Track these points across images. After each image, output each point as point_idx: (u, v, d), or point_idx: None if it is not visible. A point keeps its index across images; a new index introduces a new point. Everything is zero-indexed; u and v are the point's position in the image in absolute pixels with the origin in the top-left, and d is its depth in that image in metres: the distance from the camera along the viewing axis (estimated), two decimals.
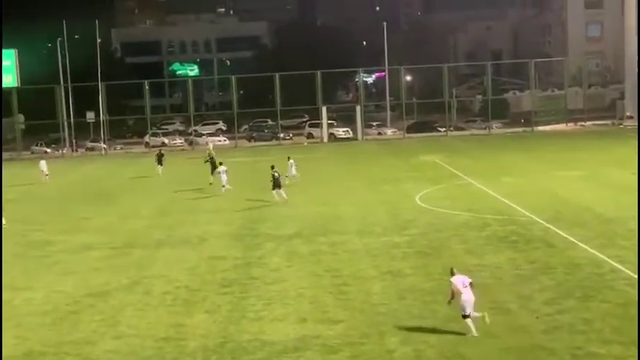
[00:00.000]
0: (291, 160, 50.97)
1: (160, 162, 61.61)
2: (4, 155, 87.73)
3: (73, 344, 21.73)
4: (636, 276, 25.08)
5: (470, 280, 20.92)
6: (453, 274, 21.08)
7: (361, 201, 44.05)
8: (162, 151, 65.45)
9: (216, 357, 20.30)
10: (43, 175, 60.29)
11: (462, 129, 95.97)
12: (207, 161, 52.60)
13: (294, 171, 50.56)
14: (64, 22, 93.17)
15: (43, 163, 61.57)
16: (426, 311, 22.77)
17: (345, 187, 49.85)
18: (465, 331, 20.56)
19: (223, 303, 24.85)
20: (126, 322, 23.41)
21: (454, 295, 20.82)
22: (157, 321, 23.37)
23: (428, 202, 42.29)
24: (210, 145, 79.33)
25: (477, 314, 20.62)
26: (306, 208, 42.40)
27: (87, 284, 28.12)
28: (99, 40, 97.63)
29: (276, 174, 44.04)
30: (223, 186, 48.61)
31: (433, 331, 21.09)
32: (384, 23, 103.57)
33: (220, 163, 50.49)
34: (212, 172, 51.46)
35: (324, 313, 23.36)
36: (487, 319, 20.61)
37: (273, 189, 43.90)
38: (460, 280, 20.80)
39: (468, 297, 20.54)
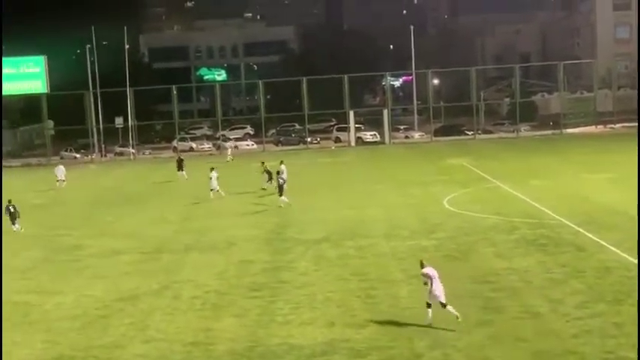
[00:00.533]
0: (283, 166, 50.36)
1: (180, 168, 61.78)
2: (33, 160, 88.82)
3: (102, 348, 21.86)
4: None
5: (437, 275, 21.92)
6: (423, 266, 22.23)
7: (389, 204, 43.98)
8: (182, 157, 65.65)
9: None
10: (55, 181, 60.42)
11: (490, 132, 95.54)
12: (264, 172, 52.20)
13: (284, 176, 49.41)
14: (92, 28, 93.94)
15: (59, 169, 61.41)
16: (453, 315, 22.64)
17: (372, 191, 49.78)
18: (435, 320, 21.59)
19: (252, 307, 24.89)
20: (155, 327, 23.51)
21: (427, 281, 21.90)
22: (186, 325, 23.45)
23: (456, 205, 42.14)
24: (229, 151, 79.57)
25: (430, 311, 21.69)
26: (334, 211, 42.40)
27: (117, 288, 28.29)
28: (127, 46, 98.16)
29: (280, 180, 45.30)
30: (212, 190, 49.14)
31: (461, 334, 21.01)
32: (411, 27, 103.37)
33: (212, 169, 50.42)
34: (269, 180, 51.02)
35: (352, 317, 23.34)
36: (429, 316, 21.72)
37: (280, 194, 44.77)
38: (430, 270, 21.88)
39: (437, 288, 21.61)
